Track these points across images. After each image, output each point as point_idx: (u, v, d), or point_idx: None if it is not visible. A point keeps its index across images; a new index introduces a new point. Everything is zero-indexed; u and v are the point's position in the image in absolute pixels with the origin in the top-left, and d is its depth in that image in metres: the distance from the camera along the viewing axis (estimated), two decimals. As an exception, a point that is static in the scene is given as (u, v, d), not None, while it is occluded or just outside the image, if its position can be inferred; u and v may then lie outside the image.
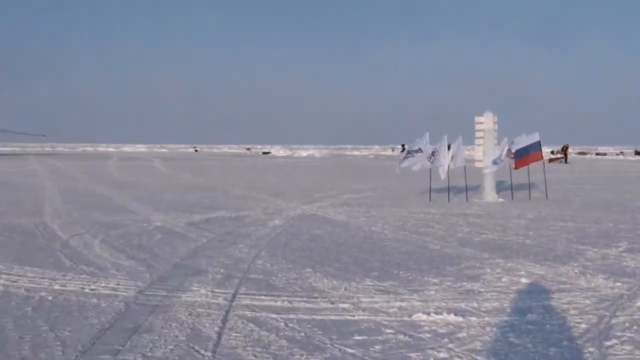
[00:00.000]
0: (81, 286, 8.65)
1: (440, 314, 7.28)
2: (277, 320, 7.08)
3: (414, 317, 7.20)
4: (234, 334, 6.57)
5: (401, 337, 6.49)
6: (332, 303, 7.86)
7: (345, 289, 8.64)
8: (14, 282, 8.87)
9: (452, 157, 21.80)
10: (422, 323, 6.98)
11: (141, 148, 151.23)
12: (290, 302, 7.90)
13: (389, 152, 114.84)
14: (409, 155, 22.19)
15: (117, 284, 8.77)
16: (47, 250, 11.49)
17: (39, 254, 11.01)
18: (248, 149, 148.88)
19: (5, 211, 17.29)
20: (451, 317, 7.15)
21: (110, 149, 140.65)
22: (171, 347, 6.15)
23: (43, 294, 8.23)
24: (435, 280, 9.13)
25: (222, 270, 9.82)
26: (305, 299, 8.08)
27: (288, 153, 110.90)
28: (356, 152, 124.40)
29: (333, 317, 7.22)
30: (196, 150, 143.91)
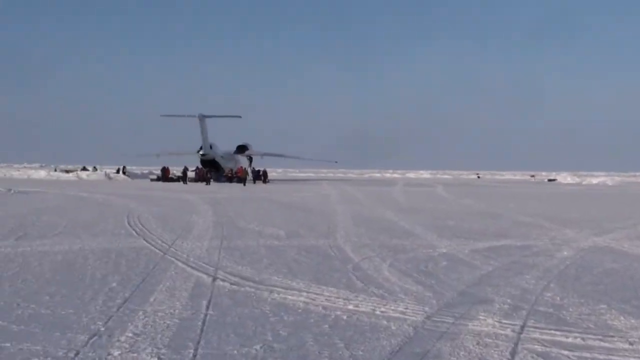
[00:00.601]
0: (372, 308, 9.09)
1: None
2: (569, 358, 6.79)
3: None
4: (523, 368, 6.43)
5: None
6: (631, 344, 7.32)
7: (646, 329, 7.99)
8: (312, 300, 9.62)
9: None
10: None
11: (425, 174, 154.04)
12: (583, 339, 7.53)
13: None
14: None
15: (405, 308, 9.07)
16: (340, 271, 12.25)
17: (333, 275, 11.79)
18: (532, 175, 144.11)
19: (303, 233, 18.76)
20: None
21: (396, 175, 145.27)
22: (459, 375, 6.21)
23: (338, 312, 8.81)
24: None
25: (508, 301, 9.66)
26: (599, 337, 7.63)
27: (576, 180, 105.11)
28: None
29: (632, 360, 6.73)
30: (478, 177, 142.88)
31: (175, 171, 77.27)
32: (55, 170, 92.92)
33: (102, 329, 7.75)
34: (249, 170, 75.35)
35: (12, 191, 39.20)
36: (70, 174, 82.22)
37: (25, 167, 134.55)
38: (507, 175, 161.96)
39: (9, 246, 14.79)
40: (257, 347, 7.11)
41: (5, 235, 16.78)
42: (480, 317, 8.59)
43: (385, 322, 8.26)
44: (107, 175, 79.05)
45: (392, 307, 9.12)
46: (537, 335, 7.68)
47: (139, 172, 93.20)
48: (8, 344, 7.04)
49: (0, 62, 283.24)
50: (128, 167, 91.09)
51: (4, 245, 14.85)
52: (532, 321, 8.40)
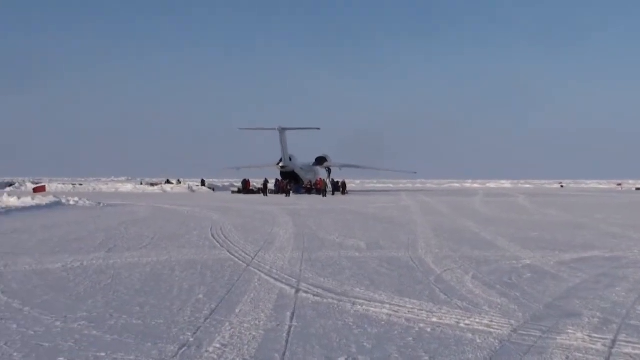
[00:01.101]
0: (456, 320, 9.00)
1: None
2: (664, 374, 6.55)
3: None
4: (616, 384, 6.25)
5: None
6: None
7: None
8: (395, 312, 9.61)
9: None
10: None
11: (505, 184, 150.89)
12: (678, 355, 7.24)
13: None
14: None
15: (490, 321, 8.94)
16: (423, 283, 12.18)
17: (416, 287, 11.73)
18: (619, 184, 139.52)
19: (384, 245, 18.74)
20: None
21: (476, 185, 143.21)
22: (549, 390, 6.09)
23: (422, 325, 8.77)
24: None
25: (598, 314, 9.39)
26: (697, 353, 7.33)
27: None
28: None
29: None
30: (562, 186, 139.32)
31: (256, 183, 78.54)
32: (141, 184, 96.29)
33: (191, 339, 7.97)
34: (328, 182, 75.83)
35: (101, 205, 40.71)
36: (155, 187, 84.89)
37: (112, 180, 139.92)
38: (592, 184, 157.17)
39: (100, 258, 15.38)
40: (342, 359, 7.17)
41: (96, 248, 17.46)
42: (569, 330, 8.39)
43: (470, 335, 8.18)
44: (190, 188, 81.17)
45: (477, 320, 9.01)
46: (629, 350, 7.45)
47: (220, 184, 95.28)
48: (103, 354, 7.33)
49: (89, 80, 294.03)
50: (210, 180, 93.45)
51: (96, 258, 15.45)
52: (624, 335, 8.15)
